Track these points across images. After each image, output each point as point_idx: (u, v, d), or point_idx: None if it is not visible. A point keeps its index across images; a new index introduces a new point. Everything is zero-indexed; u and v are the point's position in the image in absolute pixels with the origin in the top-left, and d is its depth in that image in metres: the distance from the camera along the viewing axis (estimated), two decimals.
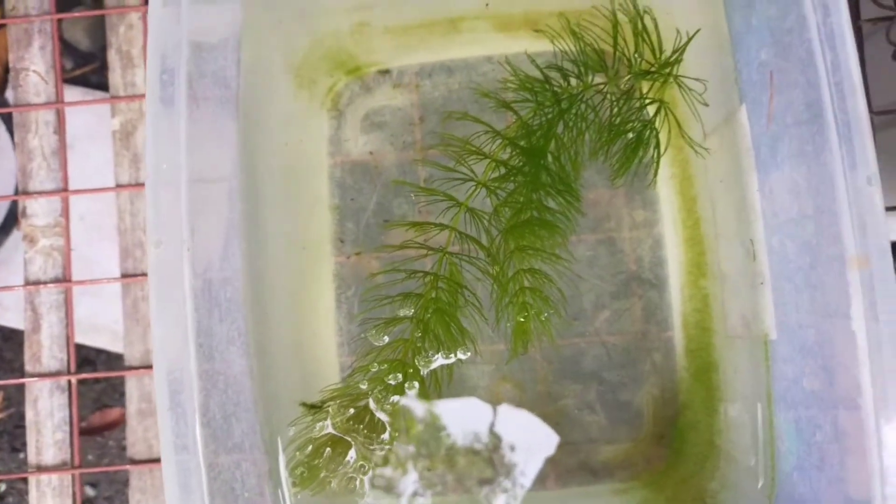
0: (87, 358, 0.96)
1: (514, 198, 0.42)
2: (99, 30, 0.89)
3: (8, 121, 0.75)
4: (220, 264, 0.37)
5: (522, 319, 0.41)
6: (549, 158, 0.42)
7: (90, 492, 1.08)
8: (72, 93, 0.81)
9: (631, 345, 0.51)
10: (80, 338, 0.85)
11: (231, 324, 0.35)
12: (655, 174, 0.44)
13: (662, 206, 0.50)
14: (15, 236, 0.85)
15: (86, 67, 0.98)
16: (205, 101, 0.38)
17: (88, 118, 0.78)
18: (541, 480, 0.49)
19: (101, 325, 0.86)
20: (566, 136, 0.41)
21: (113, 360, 0.95)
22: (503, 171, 0.42)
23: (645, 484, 0.49)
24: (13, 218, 0.83)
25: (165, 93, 0.35)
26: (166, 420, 0.29)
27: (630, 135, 0.40)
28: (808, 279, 0.34)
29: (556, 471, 0.50)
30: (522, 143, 0.41)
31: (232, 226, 0.40)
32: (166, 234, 0.30)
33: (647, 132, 0.39)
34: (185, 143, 0.35)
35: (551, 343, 0.46)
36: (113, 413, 0.96)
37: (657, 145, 0.40)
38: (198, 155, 0.36)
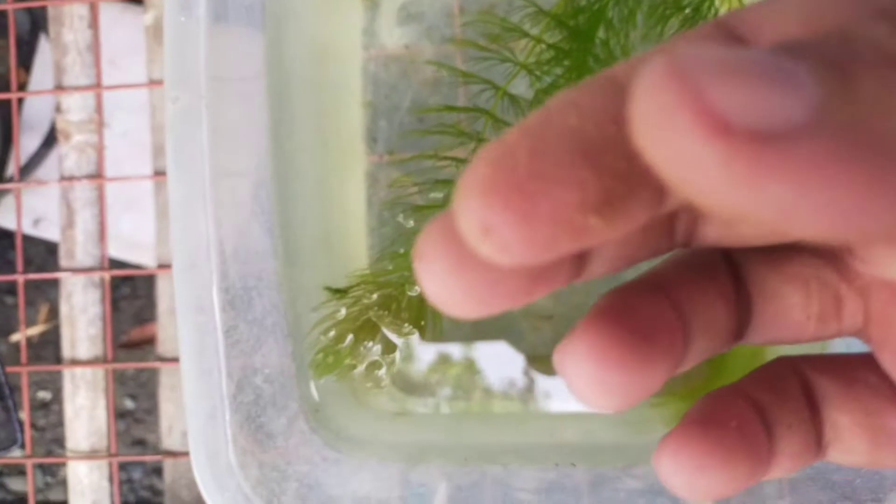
0: (128, 275, 0.97)
1: (558, 83, 0.39)
2: None
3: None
4: (241, 146, 0.36)
5: None
6: (597, 43, 0.39)
7: (129, 404, 1.11)
8: (110, 8, 0.80)
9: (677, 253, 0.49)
10: (122, 253, 0.87)
11: (253, 197, 0.34)
12: None
13: None
14: (56, 153, 0.85)
15: None
16: None
17: (121, 29, 0.77)
18: (568, 394, 0.48)
19: (143, 242, 0.87)
20: (616, 18, 0.38)
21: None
22: (547, 55, 0.39)
23: (681, 398, 0.47)
24: (55, 134, 0.84)
25: None
26: (182, 278, 0.28)
27: (687, 10, 0.37)
28: None
29: None
30: (570, 22, 0.38)
31: (254, 112, 0.38)
32: (184, 89, 0.29)
33: (706, 4, 0.36)
34: (205, 18, 0.33)
35: None
36: (151, 328, 0.98)
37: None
38: (221, 41, 0.34)
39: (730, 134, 0.09)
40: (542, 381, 0.48)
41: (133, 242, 0.87)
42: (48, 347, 1.09)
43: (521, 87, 0.43)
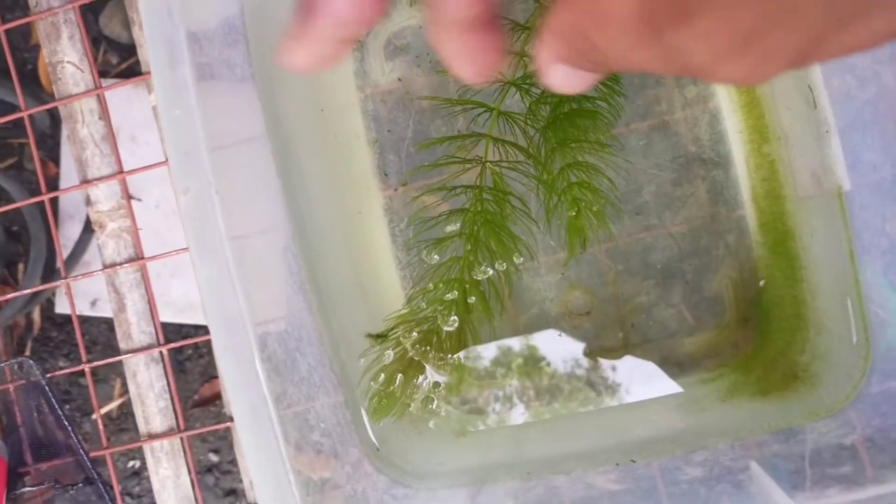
0: (187, 335, 1.01)
1: (550, 93, 0.40)
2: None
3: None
4: (257, 214, 0.37)
5: (574, 214, 0.39)
6: None
7: (213, 458, 1.15)
8: (118, 93, 0.83)
9: (701, 230, 0.48)
10: (178, 317, 0.90)
11: (281, 260, 0.36)
12: None
13: None
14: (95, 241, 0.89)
15: (130, 60, 1.00)
16: (217, 64, 0.38)
17: (133, 105, 0.80)
18: (624, 384, 0.48)
19: (194, 304, 0.90)
20: None
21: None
22: (533, 67, 0.40)
23: (733, 369, 0.47)
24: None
25: (172, 56, 0.35)
26: (226, 360, 0.30)
27: None
28: (875, 112, 0.30)
29: (639, 371, 0.48)
30: None
31: (263, 177, 0.40)
32: (193, 181, 0.30)
33: None
34: (198, 105, 0.34)
35: (609, 236, 0.44)
36: (220, 383, 1.01)
37: None
38: (216, 116, 0.35)
39: None
40: (593, 375, 0.48)
41: (185, 305, 0.91)
42: (129, 419, 1.14)
43: (511, 101, 0.43)
